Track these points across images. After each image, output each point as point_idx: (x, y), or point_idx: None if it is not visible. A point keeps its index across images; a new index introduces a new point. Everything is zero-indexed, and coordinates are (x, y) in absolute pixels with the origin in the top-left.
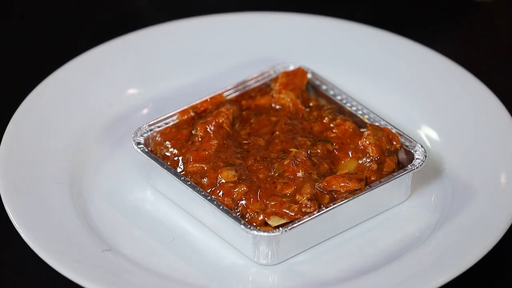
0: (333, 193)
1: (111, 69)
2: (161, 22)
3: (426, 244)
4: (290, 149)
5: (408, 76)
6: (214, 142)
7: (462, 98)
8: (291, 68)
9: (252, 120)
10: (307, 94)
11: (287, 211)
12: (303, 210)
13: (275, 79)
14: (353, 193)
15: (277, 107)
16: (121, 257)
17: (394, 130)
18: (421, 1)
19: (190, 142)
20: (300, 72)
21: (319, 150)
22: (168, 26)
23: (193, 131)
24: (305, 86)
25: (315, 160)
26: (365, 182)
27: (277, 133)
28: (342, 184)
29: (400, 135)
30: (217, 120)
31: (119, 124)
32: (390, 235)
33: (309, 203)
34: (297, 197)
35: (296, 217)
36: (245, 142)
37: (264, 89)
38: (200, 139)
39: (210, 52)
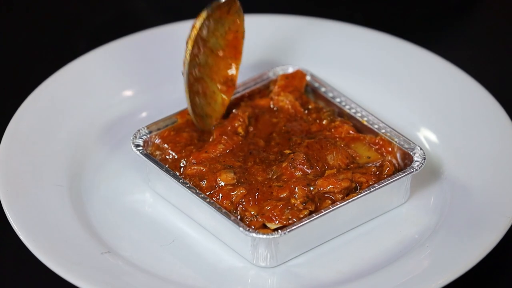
0: (328, 195)
1: (110, 71)
2: (160, 24)
3: (425, 246)
4: (284, 151)
5: (407, 79)
6: (220, 147)
7: (461, 100)
8: (290, 70)
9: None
10: (306, 96)
11: (283, 216)
12: (300, 215)
13: (274, 82)
14: (351, 194)
15: (275, 109)
16: (120, 259)
17: (392, 132)
18: (420, 3)
19: (193, 147)
20: (299, 75)
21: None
22: (167, 28)
23: (210, 139)
24: (304, 88)
25: (313, 162)
26: (355, 181)
27: (274, 134)
28: (331, 187)
29: (399, 137)
30: (232, 124)
31: (118, 126)
32: (389, 237)
33: (302, 206)
34: (292, 201)
35: (292, 220)
36: (252, 142)
37: (264, 91)
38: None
39: None
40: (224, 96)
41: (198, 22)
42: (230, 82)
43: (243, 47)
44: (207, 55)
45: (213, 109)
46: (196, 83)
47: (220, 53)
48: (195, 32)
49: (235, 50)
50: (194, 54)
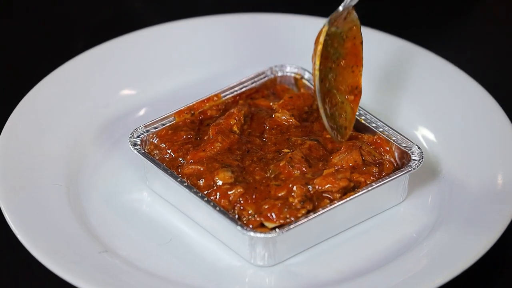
0: (326, 194)
1: (108, 70)
2: (158, 23)
3: (423, 245)
4: (283, 150)
5: (405, 77)
6: (218, 145)
7: (459, 99)
8: (288, 69)
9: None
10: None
11: (281, 215)
12: (298, 214)
13: (272, 80)
14: (349, 193)
15: (274, 108)
16: (118, 258)
17: (390, 131)
18: (419, 2)
19: (190, 146)
20: (305, 96)
21: (315, 144)
22: (165, 27)
23: (205, 137)
24: (309, 107)
25: (311, 161)
26: (354, 181)
27: (272, 131)
28: (329, 186)
29: (396, 135)
30: (228, 122)
31: (115, 125)
32: (387, 236)
33: (300, 205)
34: (290, 200)
35: (290, 219)
36: (248, 140)
37: (262, 90)
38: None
39: (207, 53)
40: (351, 105)
41: (322, 36)
42: (356, 91)
43: (362, 54)
44: (330, 67)
45: (345, 119)
46: (326, 97)
47: (342, 63)
48: (320, 47)
49: (356, 57)
50: (320, 69)
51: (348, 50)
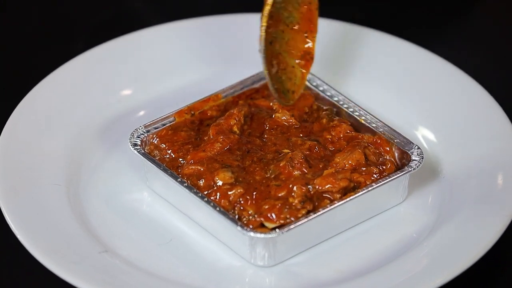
0: (326, 194)
1: (108, 70)
2: (158, 23)
3: (423, 245)
4: (283, 150)
5: (405, 78)
6: (218, 145)
7: (459, 99)
8: None
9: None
10: (316, 105)
11: (281, 215)
12: (298, 214)
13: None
14: (349, 193)
15: (274, 108)
16: (118, 259)
17: (390, 131)
18: (419, 2)
19: (190, 146)
20: (305, 96)
21: (316, 148)
22: (165, 27)
23: (205, 138)
24: (309, 108)
25: (311, 162)
26: (354, 181)
27: (272, 131)
28: (329, 186)
29: (397, 136)
30: (228, 123)
31: (116, 125)
32: (387, 237)
33: (300, 205)
34: (290, 200)
35: (290, 220)
36: (248, 141)
37: (262, 90)
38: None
39: (207, 53)
40: (303, 70)
41: None
42: (308, 56)
43: (317, 19)
44: (282, 30)
45: (294, 83)
46: (274, 59)
47: (296, 27)
48: (268, 7)
49: (309, 22)
50: (268, 30)
51: (303, 14)
